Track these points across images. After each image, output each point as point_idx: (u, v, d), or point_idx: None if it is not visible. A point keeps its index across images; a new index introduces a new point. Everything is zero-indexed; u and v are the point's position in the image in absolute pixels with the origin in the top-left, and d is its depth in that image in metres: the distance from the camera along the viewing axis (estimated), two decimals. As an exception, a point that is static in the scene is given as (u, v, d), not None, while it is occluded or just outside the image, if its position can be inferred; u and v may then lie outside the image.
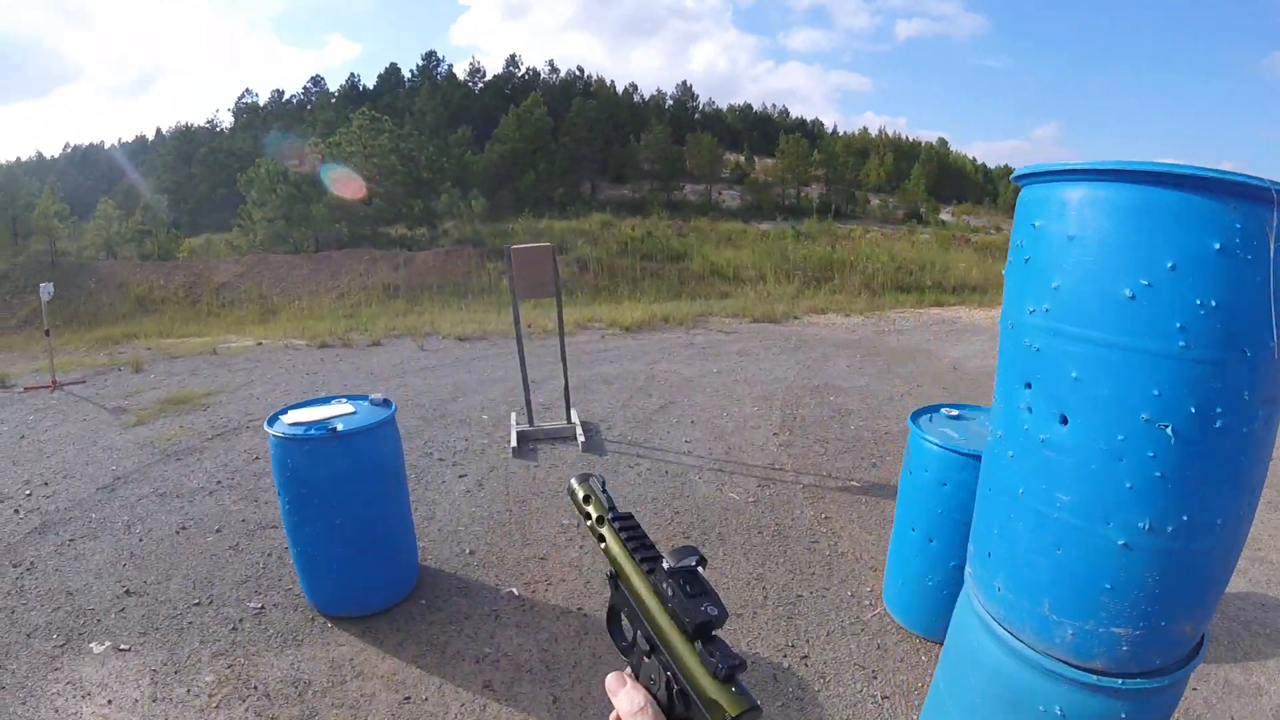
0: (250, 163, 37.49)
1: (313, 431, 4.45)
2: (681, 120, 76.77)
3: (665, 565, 0.79)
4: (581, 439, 7.89)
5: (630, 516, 0.89)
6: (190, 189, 46.68)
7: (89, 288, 25.88)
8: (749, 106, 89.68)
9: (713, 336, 14.44)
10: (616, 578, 0.85)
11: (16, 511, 6.82)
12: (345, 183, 35.42)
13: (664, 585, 0.78)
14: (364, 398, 5.13)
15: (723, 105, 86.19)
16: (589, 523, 0.89)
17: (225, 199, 42.26)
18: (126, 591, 5.41)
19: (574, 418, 8.28)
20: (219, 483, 7.19)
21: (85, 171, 50.56)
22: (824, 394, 10.01)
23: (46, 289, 11.35)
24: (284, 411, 4.85)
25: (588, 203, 57.39)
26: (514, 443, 7.82)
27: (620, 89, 77.68)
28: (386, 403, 5.03)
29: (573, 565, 5.60)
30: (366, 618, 4.94)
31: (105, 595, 5.36)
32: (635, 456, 7.67)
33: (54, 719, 4.06)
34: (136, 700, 4.22)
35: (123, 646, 4.73)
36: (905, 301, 21.28)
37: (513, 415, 8.65)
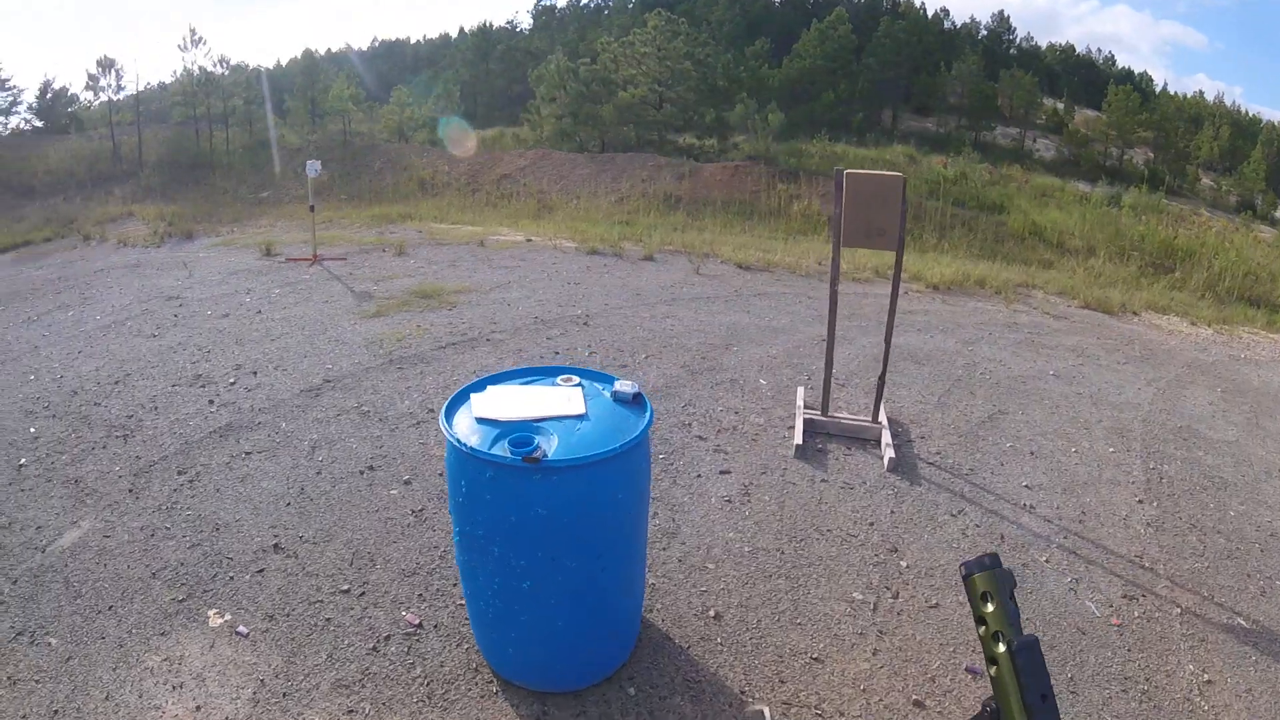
0: (541, 61, 37.42)
1: (507, 448, 2.88)
2: (995, 54, 68.58)
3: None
4: (889, 452, 5.79)
5: (1036, 645, 0.76)
6: (485, 84, 47.99)
7: (376, 167, 26.84)
8: (1070, 48, 78.54)
9: (1039, 319, 11.51)
10: (997, 715, 0.76)
11: (211, 403, 6.17)
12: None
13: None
14: (608, 379, 3.53)
15: (1041, 43, 75.90)
16: (982, 630, 0.79)
17: (519, 95, 42.81)
18: (276, 545, 4.50)
19: (882, 417, 6.23)
20: (430, 411, 6.08)
21: (392, 62, 53.64)
22: (1189, 443, 7.09)
23: (313, 166, 11.39)
24: (478, 388, 3.42)
25: (888, 132, 53.04)
26: (798, 437, 5.93)
27: (930, 13, 70.81)
28: (639, 402, 3.37)
29: (859, 685, 3.68)
30: (549, 695, 3.45)
31: (252, 542, 4.52)
32: (958, 497, 5.52)
33: (134, 706, 3.36)
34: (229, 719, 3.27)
35: (241, 629, 3.84)
36: (1255, 319, 16.59)
37: (800, 392, 6.79)
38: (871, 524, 4.95)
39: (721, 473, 5.49)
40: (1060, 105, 61.96)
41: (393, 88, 35.87)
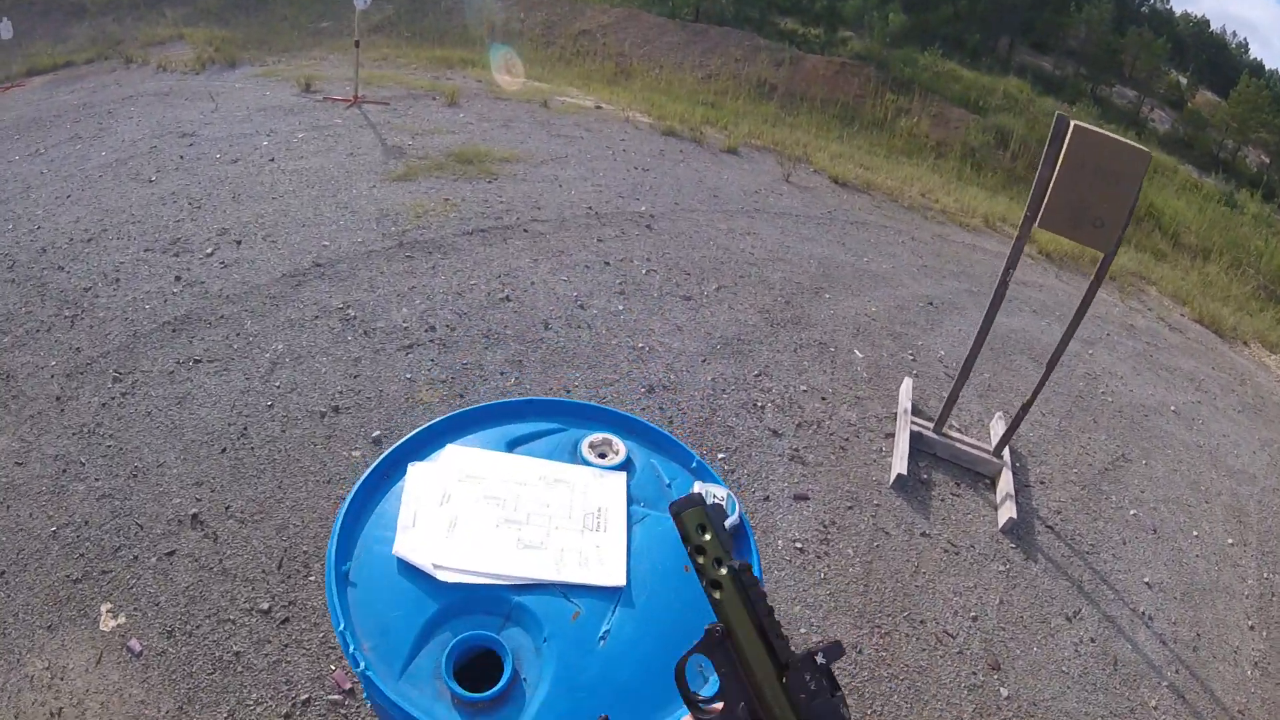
0: None
1: (445, 683, 1.48)
2: (1126, 6, 63.17)
3: (799, 652, 0.75)
4: (1008, 509, 4.40)
5: (751, 570, 0.77)
6: None
7: (444, 6, 24.87)
8: (1205, 21, 72.31)
9: (1154, 324, 9.49)
10: (725, 635, 0.77)
11: (178, 279, 5.18)
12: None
13: (805, 677, 0.73)
14: (686, 456, 2.13)
15: (1176, 8, 69.77)
16: (701, 559, 0.78)
17: None
18: (195, 516, 3.59)
19: (1005, 455, 4.81)
20: (431, 329, 4.82)
21: None
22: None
23: None
24: (429, 442, 2.04)
25: (1002, 61, 49.43)
26: (901, 463, 4.55)
27: (1065, -55, 64.98)
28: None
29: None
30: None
31: (169, 504, 3.64)
32: (1076, 589, 4.14)
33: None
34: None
35: (134, 644, 3.07)
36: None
37: (906, 387, 5.30)
38: (975, 619, 3.73)
39: (797, 498, 4.20)
40: (1184, 80, 57.26)
41: None
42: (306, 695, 2.84)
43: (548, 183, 7.74)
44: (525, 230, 6.43)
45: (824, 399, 5.07)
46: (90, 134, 9.55)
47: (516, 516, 1.73)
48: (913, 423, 4.82)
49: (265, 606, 3.15)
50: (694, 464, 1.99)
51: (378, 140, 8.22)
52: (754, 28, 31.20)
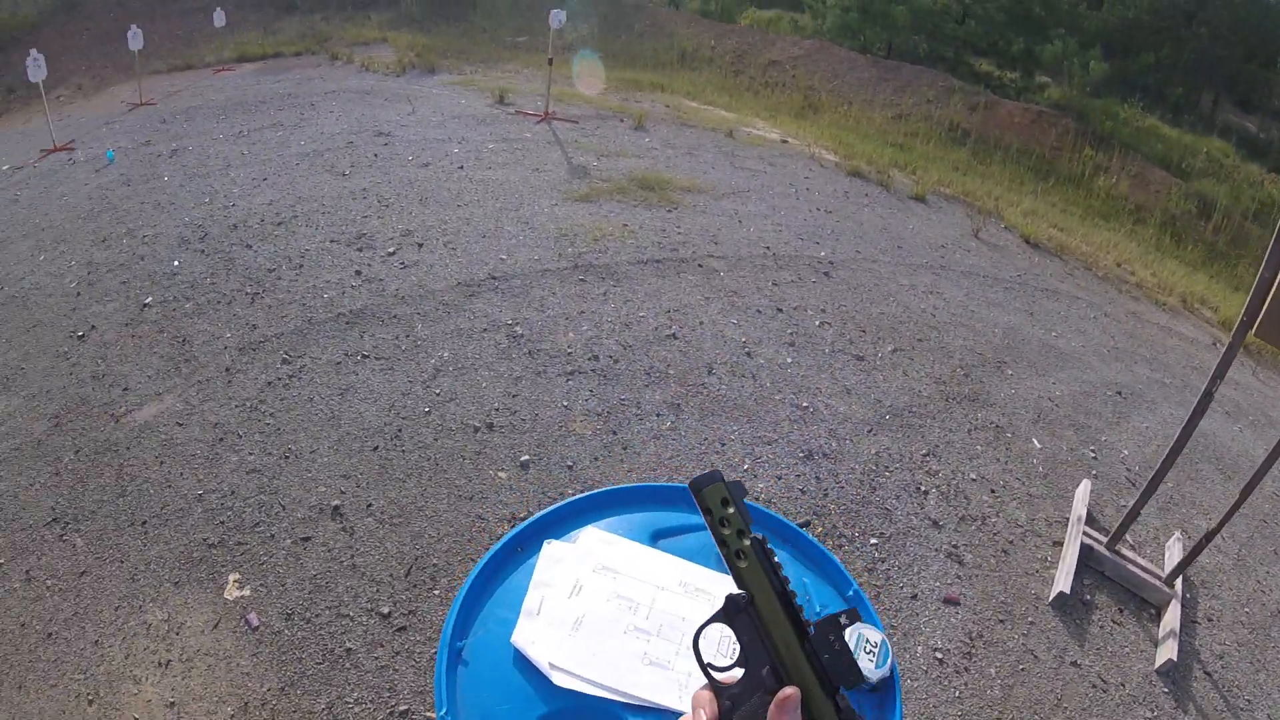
0: None
1: None
2: None
3: (815, 617, 0.80)
4: (1168, 648, 3.81)
5: (768, 542, 0.83)
6: None
7: (637, 29, 25.26)
8: None
9: None
10: (751, 602, 0.80)
11: (359, 273, 5.36)
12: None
13: (829, 636, 0.78)
14: (855, 601, 1.81)
15: None
16: (724, 533, 0.82)
17: None
18: (336, 508, 3.66)
19: (1178, 585, 4.24)
20: (594, 358, 4.80)
21: None
22: None
23: (557, 16, 10.30)
24: (568, 519, 1.88)
25: (1205, 119, 45.92)
26: (1064, 581, 4.02)
27: (1280, -10, 59.85)
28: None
29: None
30: None
31: (313, 492, 3.75)
32: None
33: (115, 668, 3.02)
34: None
35: (253, 619, 3.18)
36: None
37: (1084, 488, 4.73)
38: (1108, 770, 3.24)
39: (947, 601, 3.79)
40: None
41: None
42: (406, 707, 2.79)
43: (727, 217, 7.58)
44: (700, 265, 6.28)
45: (993, 492, 4.63)
46: (292, 123, 10.09)
47: (647, 625, 1.55)
48: (1085, 533, 4.33)
49: (386, 610, 3.12)
50: (850, 592, 1.75)
51: (564, 158, 8.31)
52: (948, 68, 30.23)
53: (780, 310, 5.89)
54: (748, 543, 0.80)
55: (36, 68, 12.03)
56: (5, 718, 2.96)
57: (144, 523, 3.58)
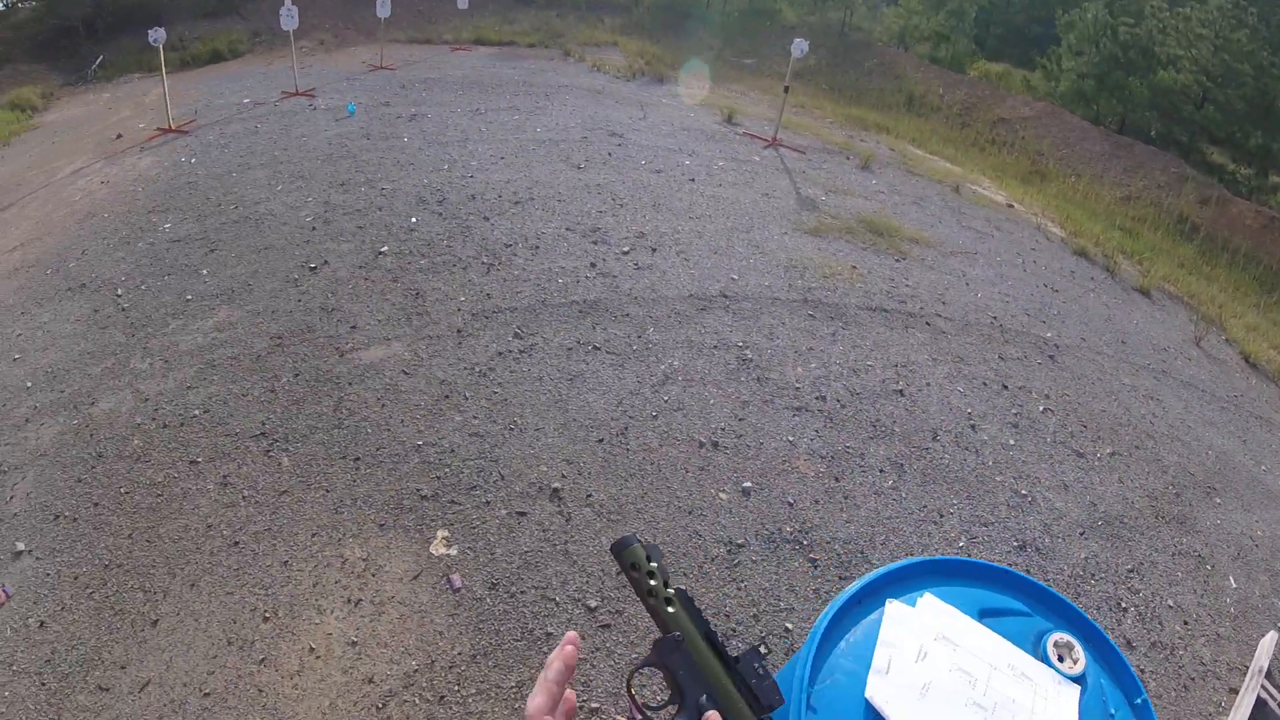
0: (1073, 6, 32.32)
1: None
2: None
3: (735, 650, 0.86)
4: None
5: (686, 592, 0.92)
6: (1003, 14, 43.50)
7: (866, 67, 24.93)
8: None
9: None
10: (679, 642, 0.88)
11: (594, 265, 5.52)
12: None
13: (754, 664, 0.87)
14: (1135, 687, 1.71)
15: None
16: (651, 584, 0.89)
17: (1038, 36, 38.10)
18: (555, 491, 3.73)
19: None
20: (821, 398, 4.73)
21: None
22: None
23: (800, 45, 10.18)
24: (906, 582, 1.82)
25: None
26: None
27: None
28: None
29: None
30: None
31: (534, 468, 3.82)
32: None
33: (300, 592, 3.17)
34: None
35: (456, 580, 3.25)
36: None
37: (1269, 640, 4.22)
38: None
39: None
40: None
41: None
42: (598, 705, 2.79)
43: (954, 277, 7.34)
44: (928, 324, 6.08)
45: (1186, 623, 4.28)
46: (528, 109, 10.44)
47: (985, 703, 1.52)
48: (1262, 687, 3.96)
49: (593, 604, 3.12)
50: (1140, 699, 1.66)
51: (792, 187, 8.26)
52: (1180, 152, 28.37)
53: (1006, 387, 5.63)
54: (673, 591, 0.87)
55: (290, 17, 12.91)
56: (171, 610, 3.11)
57: (356, 459, 3.71)
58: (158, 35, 11.19)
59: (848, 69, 23.58)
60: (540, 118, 9.89)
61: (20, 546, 3.68)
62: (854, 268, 6.51)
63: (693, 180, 7.69)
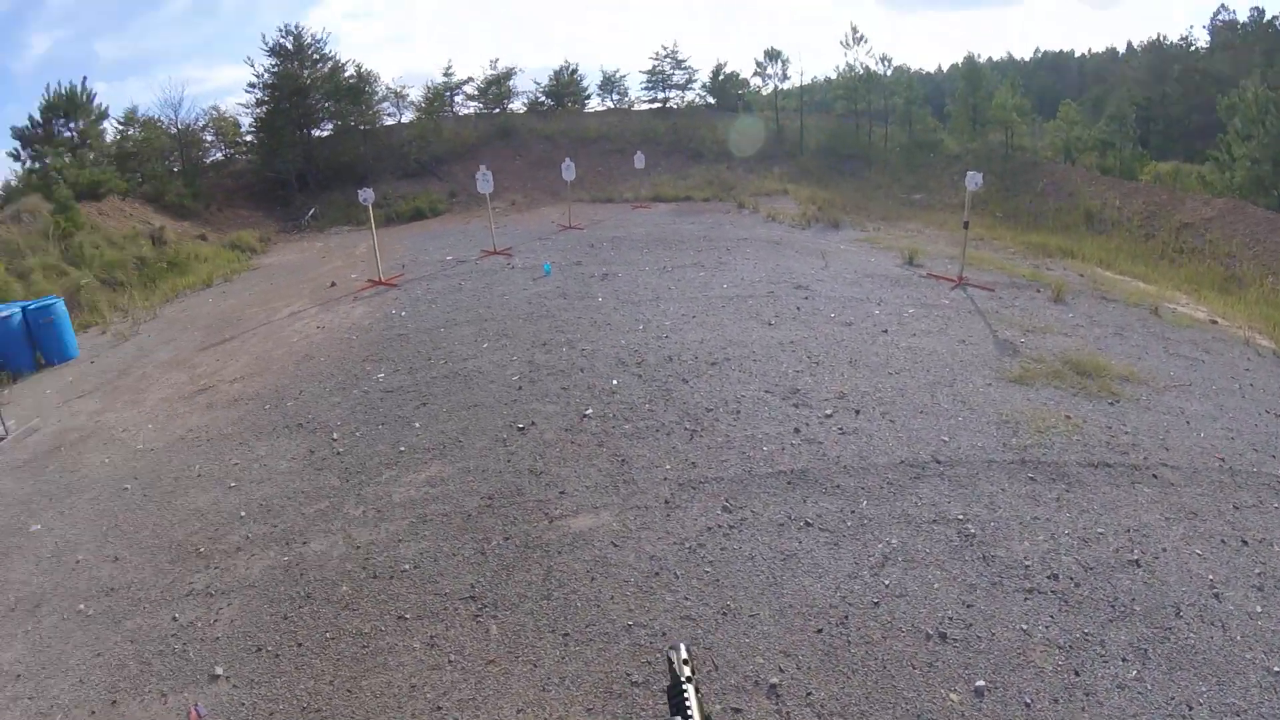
0: (1229, 88, 29.89)
1: None
2: None
3: None
4: None
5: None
6: (1161, 109, 41.20)
7: (1038, 188, 23.99)
8: None
9: None
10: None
11: (797, 431, 5.32)
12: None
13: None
14: None
15: None
16: (687, 682, 1.05)
17: (1199, 126, 35.58)
18: (774, 687, 3.42)
19: None
20: (1052, 576, 4.33)
21: (1055, 76, 49.14)
22: None
23: (974, 178, 9.99)
24: None
25: None
26: None
27: None
28: None
29: None
30: None
31: (752, 661, 3.49)
32: None
33: None
34: None
35: None
36: None
37: None
38: None
39: None
40: None
41: (1058, 103, 32.42)
42: None
43: (1173, 415, 6.67)
44: (1155, 476, 5.49)
45: None
46: (712, 264, 10.60)
47: None
48: None
49: None
50: None
51: (988, 331, 7.89)
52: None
53: (1245, 543, 4.95)
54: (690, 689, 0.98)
55: (485, 182, 13.84)
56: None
57: (565, 634, 3.60)
58: (367, 195, 12.27)
59: (1018, 192, 22.85)
60: (725, 273, 10.02)
61: (219, 671, 3.74)
62: (1068, 417, 6.03)
63: (885, 331, 7.49)
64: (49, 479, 6.16)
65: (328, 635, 3.86)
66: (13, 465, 6.63)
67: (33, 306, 9.86)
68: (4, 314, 9.53)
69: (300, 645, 3.83)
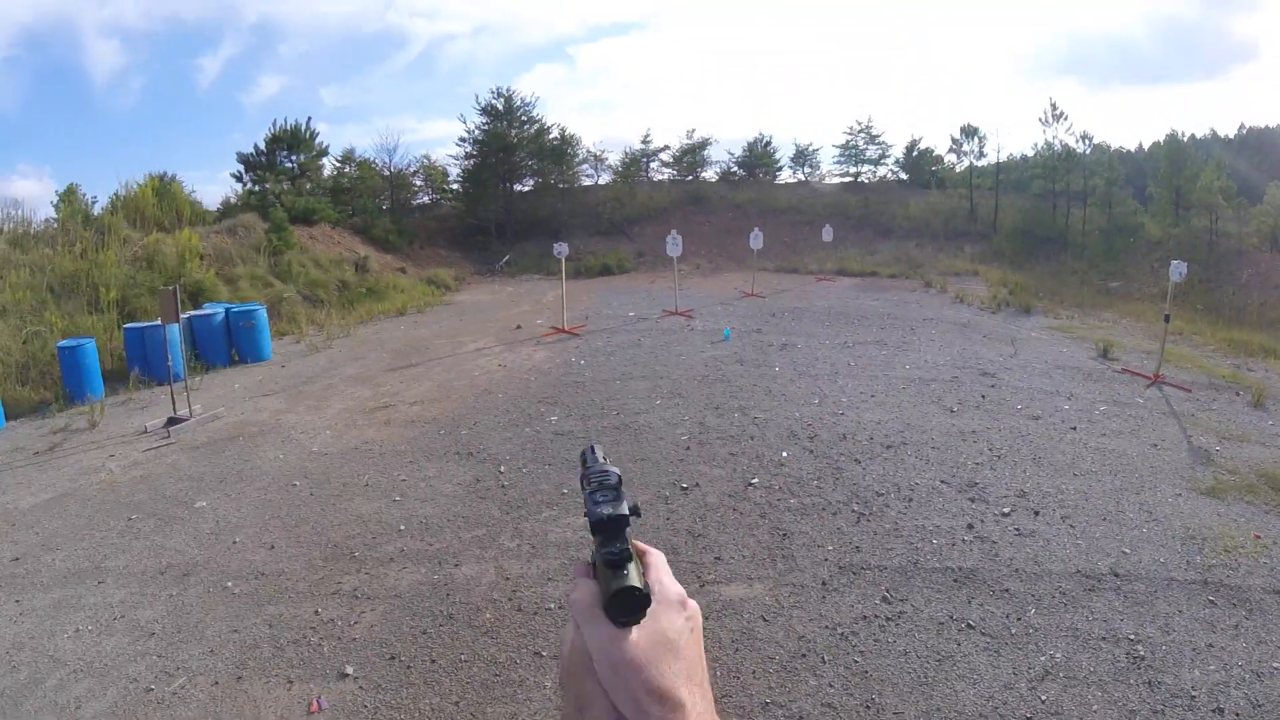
0: None
1: None
2: None
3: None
4: None
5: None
6: None
7: (1242, 279, 21.88)
8: None
9: None
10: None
11: (970, 528, 5.21)
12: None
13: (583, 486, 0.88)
14: None
15: None
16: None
17: None
18: None
19: None
20: (1218, 711, 3.91)
21: (1261, 155, 44.76)
22: None
23: (1179, 269, 9.57)
24: None
25: None
26: None
27: None
28: None
29: None
30: None
31: None
32: None
33: None
34: None
35: None
36: None
37: None
38: None
39: None
40: None
41: (1266, 184, 29.32)
42: None
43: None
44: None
45: None
46: (894, 343, 10.50)
47: None
48: None
49: None
50: None
51: (1182, 435, 7.39)
52: None
53: None
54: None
55: (675, 245, 14.32)
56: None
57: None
58: (562, 249, 13.02)
59: (1222, 283, 21.06)
60: (908, 353, 9.91)
61: (349, 670, 3.93)
62: (1257, 537, 5.56)
63: (1074, 429, 7.16)
64: (222, 463, 6.85)
65: (462, 657, 4.04)
66: (191, 445, 7.44)
67: (236, 309, 11.10)
68: (209, 313, 10.78)
69: (434, 661, 4.02)
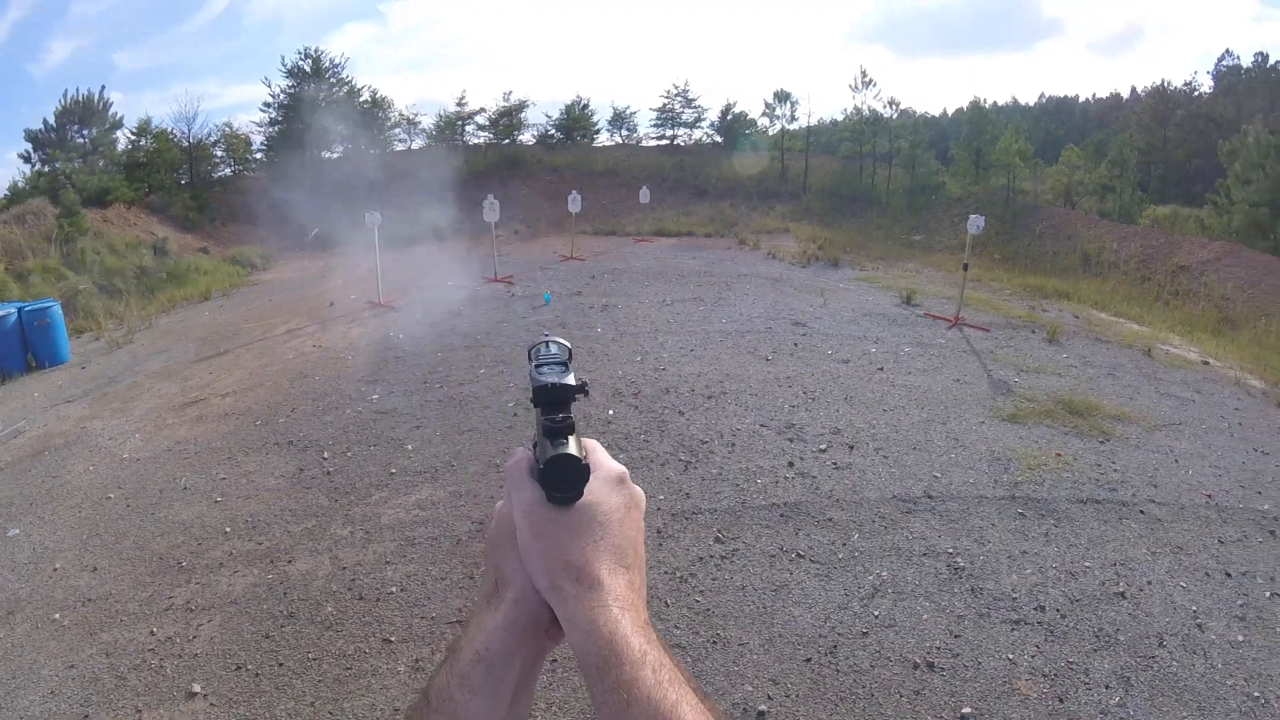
0: (1232, 133, 30.14)
1: None
2: None
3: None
4: None
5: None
6: (1162, 154, 41.59)
7: (1036, 231, 24.17)
8: None
9: None
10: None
11: (791, 465, 5.26)
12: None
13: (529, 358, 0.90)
14: None
15: None
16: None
17: (1199, 170, 35.84)
18: (761, 714, 3.15)
19: None
20: (1039, 608, 4.38)
21: (1059, 121, 49.73)
22: None
23: (976, 222, 10.16)
24: None
25: None
26: None
27: None
28: None
29: None
30: None
31: (740, 689, 3.47)
32: None
33: None
34: None
35: None
36: None
37: None
38: None
39: None
40: None
41: (1061, 147, 32.69)
42: None
43: (1162, 455, 6.76)
44: (1142, 512, 5.58)
45: None
46: (711, 299, 10.72)
47: None
48: None
49: None
50: None
51: (983, 370, 8.00)
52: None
53: (1229, 575, 5.02)
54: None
55: (491, 210, 13.98)
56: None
57: (554, 659, 3.59)
58: (374, 218, 12.31)
59: (1017, 235, 23.06)
60: (724, 308, 10.15)
61: (196, 689, 3.70)
62: (1058, 455, 6.13)
63: (881, 369, 7.58)
64: (30, 483, 6.17)
65: (310, 656, 3.87)
66: (-5, 467, 6.69)
67: (29, 308, 9.96)
68: (1, 314, 9.65)
69: (281, 665, 3.83)
